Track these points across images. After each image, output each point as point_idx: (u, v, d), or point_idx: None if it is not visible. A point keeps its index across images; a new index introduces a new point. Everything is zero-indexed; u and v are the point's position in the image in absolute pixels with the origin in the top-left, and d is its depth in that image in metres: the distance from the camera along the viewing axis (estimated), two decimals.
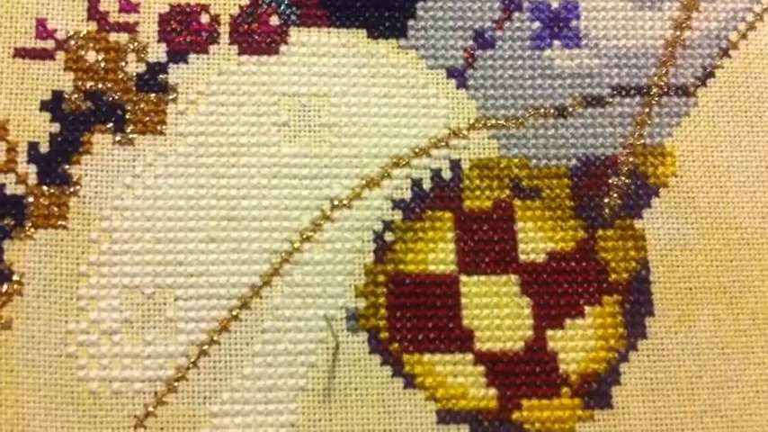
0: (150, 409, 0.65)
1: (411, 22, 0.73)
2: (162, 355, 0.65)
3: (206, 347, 0.66)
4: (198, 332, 0.66)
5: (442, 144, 0.71)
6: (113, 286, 0.66)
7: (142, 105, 0.69)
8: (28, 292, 0.65)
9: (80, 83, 0.70)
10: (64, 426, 0.64)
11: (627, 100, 0.73)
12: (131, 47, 0.71)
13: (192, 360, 0.65)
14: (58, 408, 0.64)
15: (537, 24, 0.74)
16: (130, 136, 0.69)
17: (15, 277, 0.65)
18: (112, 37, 0.71)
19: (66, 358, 0.65)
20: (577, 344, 0.68)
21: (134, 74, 0.71)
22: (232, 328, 0.66)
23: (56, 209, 0.67)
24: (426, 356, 0.67)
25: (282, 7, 0.73)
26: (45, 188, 0.67)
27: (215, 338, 0.66)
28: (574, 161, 0.71)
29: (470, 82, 0.73)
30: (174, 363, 0.65)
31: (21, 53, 0.70)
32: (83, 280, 0.66)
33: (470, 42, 0.74)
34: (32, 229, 0.67)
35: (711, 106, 0.73)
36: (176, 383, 0.65)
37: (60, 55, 0.70)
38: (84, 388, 0.64)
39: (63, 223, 0.67)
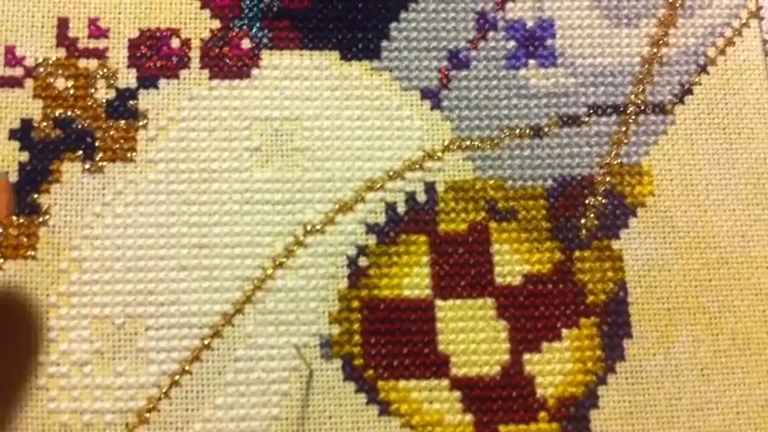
0: None
1: (384, 43, 0.73)
2: (133, 385, 0.65)
3: (177, 377, 0.65)
4: (169, 362, 0.65)
5: (417, 167, 0.70)
6: (83, 317, 0.66)
7: (112, 132, 0.69)
8: None
9: (49, 110, 0.69)
10: None
11: (603, 119, 0.73)
12: (101, 73, 0.70)
13: (164, 390, 0.65)
14: None
15: (512, 43, 0.73)
16: (100, 164, 0.68)
17: None
18: (82, 63, 0.70)
19: (37, 390, 0.64)
20: (555, 367, 0.67)
21: (104, 100, 0.70)
22: (204, 357, 0.66)
23: (25, 239, 0.66)
24: (402, 383, 0.66)
25: (254, 30, 0.72)
26: (14, 218, 0.67)
27: (187, 368, 0.65)
28: (550, 182, 0.71)
29: (445, 103, 0.72)
30: (146, 393, 0.65)
31: None
32: (53, 311, 0.65)
33: (445, 63, 0.73)
34: (2, 260, 0.66)
35: (689, 124, 0.73)
36: (148, 414, 0.65)
37: (29, 82, 0.70)
38: (54, 420, 0.64)
39: (32, 253, 0.66)
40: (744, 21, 0.75)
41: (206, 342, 0.66)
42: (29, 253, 0.66)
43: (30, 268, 0.66)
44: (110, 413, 0.64)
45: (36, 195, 0.67)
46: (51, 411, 0.64)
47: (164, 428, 0.65)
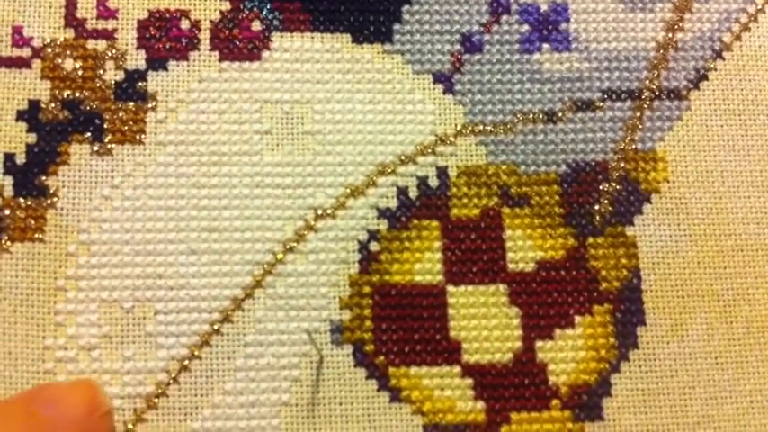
0: (130, 426, 0.64)
1: (396, 27, 0.72)
2: (142, 370, 0.65)
3: (187, 362, 0.65)
4: (178, 347, 0.65)
5: (429, 151, 0.70)
6: (92, 300, 0.65)
7: (121, 114, 0.68)
8: (4, 307, 0.65)
9: (57, 92, 0.69)
10: None
11: (618, 104, 0.72)
12: (109, 54, 0.70)
13: (173, 376, 0.65)
14: None
15: (525, 27, 0.73)
16: (109, 146, 0.68)
17: None
18: (90, 44, 0.70)
19: (44, 375, 0.64)
20: (567, 355, 0.67)
21: (112, 82, 0.70)
22: (213, 342, 0.65)
23: (33, 221, 0.66)
24: (413, 369, 0.66)
25: (265, 12, 0.72)
26: (22, 200, 0.67)
27: (196, 353, 0.65)
28: (563, 167, 0.71)
29: (457, 87, 0.72)
30: (155, 378, 0.65)
31: None
32: (60, 294, 0.65)
33: (457, 46, 0.73)
34: (9, 243, 0.66)
35: (704, 110, 0.73)
36: (156, 400, 0.64)
37: (37, 63, 0.70)
38: None
39: (40, 236, 0.66)
40: (760, 6, 0.75)
41: (215, 327, 0.66)
42: (36, 236, 0.66)
43: (37, 251, 0.66)
44: (118, 398, 0.64)
45: (44, 177, 0.67)
46: None
47: (172, 414, 0.64)
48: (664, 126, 0.72)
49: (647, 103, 0.72)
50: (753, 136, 0.72)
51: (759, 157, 0.72)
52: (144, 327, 0.65)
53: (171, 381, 0.65)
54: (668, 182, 0.71)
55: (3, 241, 0.66)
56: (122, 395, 0.64)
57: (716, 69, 0.74)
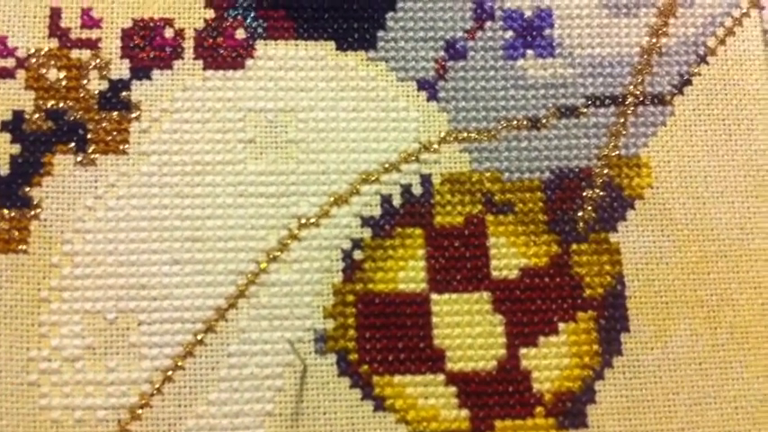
0: None
1: (381, 33, 0.72)
2: (125, 381, 0.65)
3: (170, 373, 0.65)
4: (162, 357, 0.65)
5: (413, 159, 0.70)
6: (75, 312, 0.66)
7: (104, 124, 0.69)
8: None
9: (41, 102, 0.69)
10: None
11: (602, 110, 0.72)
12: (93, 64, 0.70)
13: (157, 386, 0.65)
14: None
15: (510, 33, 0.73)
16: (92, 156, 0.68)
17: None
18: (74, 54, 0.70)
19: (28, 386, 0.64)
20: (551, 362, 0.68)
21: (96, 92, 0.70)
22: (197, 352, 0.66)
23: (16, 233, 0.66)
24: (397, 378, 0.66)
25: (249, 20, 0.72)
26: (5, 211, 0.67)
27: (179, 364, 0.65)
28: (547, 174, 0.71)
29: (441, 94, 0.72)
30: (138, 389, 0.65)
31: None
32: (44, 306, 0.65)
33: (441, 53, 0.73)
34: None
35: (688, 115, 0.73)
36: (140, 411, 0.65)
37: (21, 73, 0.70)
38: (46, 417, 0.64)
39: (24, 247, 0.66)
40: (744, 10, 0.75)
41: (199, 337, 0.66)
42: (20, 247, 0.66)
43: (21, 262, 0.66)
44: (102, 409, 0.64)
45: (27, 188, 0.67)
46: (43, 408, 0.64)
47: (156, 425, 0.65)
48: (648, 131, 0.72)
49: (631, 108, 0.73)
50: (737, 141, 0.72)
51: (743, 162, 0.72)
52: (127, 338, 0.66)
53: (155, 391, 0.65)
54: (652, 187, 0.71)
55: None
56: (106, 406, 0.64)
57: (700, 74, 0.74)
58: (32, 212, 0.67)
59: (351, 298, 0.67)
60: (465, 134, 0.71)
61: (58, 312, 0.65)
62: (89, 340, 0.65)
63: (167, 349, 0.65)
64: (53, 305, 0.65)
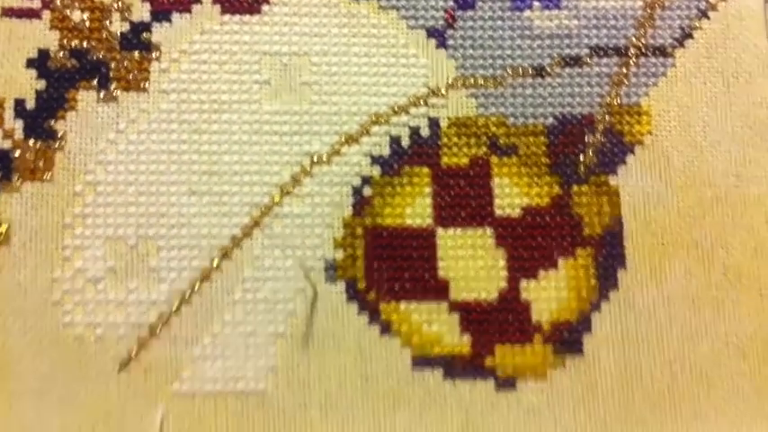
0: (133, 353, 0.71)
1: None
2: (145, 302, 0.72)
3: (188, 295, 0.72)
4: (180, 281, 0.73)
5: (421, 102, 0.77)
6: (97, 237, 0.73)
7: (126, 63, 0.76)
8: (15, 243, 0.72)
9: (65, 41, 0.76)
10: (49, 369, 0.71)
11: (605, 60, 0.79)
12: (116, 6, 0.77)
13: (174, 307, 0.72)
14: (43, 352, 0.71)
15: None
16: (114, 93, 0.76)
17: (2, 228, 0.72)
18: None
19: (52, 305, 0.72)
20: (550, 294, 0.75)
21: (118, 33, 0.77)
22: (213, 277, 0.73)
23: (42, 163, 0.74)
24: (402, 305, 0.74)
25: None
26: (31, 143, 0.74)
27: (196, 287, 0.73)
28: (551, 119, 0.78)
29: (450, 42, 0.79)
30: (157, 310, 0.72)
31: (8, 12, 0.77)
32: (68, 231, 0.73)
33: (451, 3, 0.80)
34: (19, 182, 0.73)
35: (689, 67, 0.80)
36: (159, 329, 0.72)
37: (46, 14, 0.77)
38: (69, 333, 0.72)
39: (49, 177, 0.74)
40: None
41: (215, 263, 0.73)
42: (45, 176, 0.74)
43: (46, 191, 0.74)
44: (122, 327, 0.72)
45: (52, 122, 0.75)
46: (66, 325, 0.72)
47: (174, 343, 0.72)
48: (649, 82, 0.79)
49: (634, 59, 0.80)
50: (735, 93, 0.79)
51: (740, 113, 0.79)
52: (147, 262, 0.73)
53: (173, 312, 0.72)
54: (651, 134, 0.78)
55: (14, 181, 0.73)
56: (126, 324, 0.72)
57: (701, 28, 0.81)
58: (57, 144, 0.74)
59: (360, 231, 0.75)
60: (472, 80, 0.78)
61: (81, 237, 0.73)
62: (110, 263, 0.73)
63: (185, 273, 0.73)
64: (76, 230, 0.73)
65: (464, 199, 0.76)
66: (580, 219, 0.76)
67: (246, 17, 0.78)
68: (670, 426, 0.73)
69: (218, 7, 0.78)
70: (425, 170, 0.76)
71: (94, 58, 0.76)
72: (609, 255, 0.76)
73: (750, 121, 0.79)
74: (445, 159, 0.76)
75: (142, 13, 0.78)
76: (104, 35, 0.76)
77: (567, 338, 0.74)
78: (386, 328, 0.73)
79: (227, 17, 0.78)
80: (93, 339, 0.72)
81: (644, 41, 0.80)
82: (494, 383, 0.73)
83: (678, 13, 0.81)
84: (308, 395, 0.72)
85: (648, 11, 0.80)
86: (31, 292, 0.72)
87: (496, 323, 0.74)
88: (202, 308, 0.73)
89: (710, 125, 0.79)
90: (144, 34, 0.77)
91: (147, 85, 0.76)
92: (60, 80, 0.76)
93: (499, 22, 0.80)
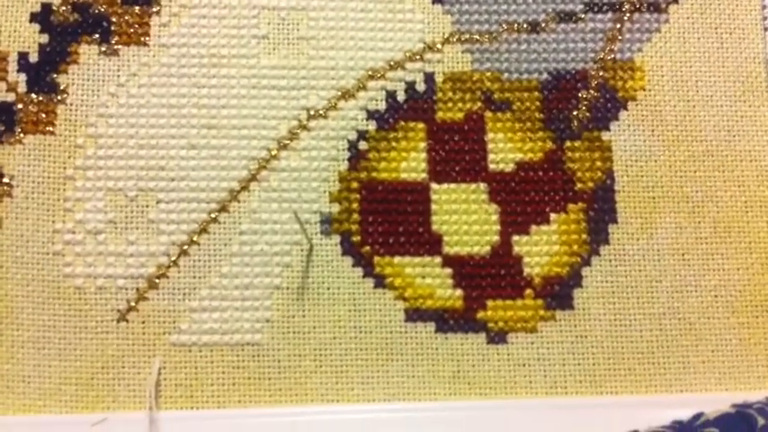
0: (132, 304, 0.73)
1: None
2: (144, 254, 0.74)
3: (186, 247, 0.74)
4: (178, 233, 0.74)
5: (417, 58, 0.78)
6: (98, 189, 0.74)
7: (127, 18, 0.77)
8: (17, 194, 0.74)
9: None
10: (50, 319, 0.73)
11: (599, 16, 0.80)
12: None
13: (173, 259, 0.74)
14: (45, 302, 0.73)
15: None
16: (115, 47, 0.77)
17: (5, 179, 0.74)
18: None
19: (53, 256, 0.74)
20: (542, 249, 0.76)
21: None
22: (211, 229, 0.75)
23: (44, 115, 0.75)
24: (396, 259, 0.75)
25: None
26: (34, 96, 0.75)
27: (195, 239, 0.74)
28: (545, 75, 0.79)
29: None
30: (156, 261, 0.74)
31: None
32: (69, 183, 0.74)
33: None
34: (22, 135, 0.75)
35: (682, 23, 0.81)
36: (157, 280, 0.74)
37: None
38: (69, 284, 0.73)
39: (51, 129, 0.75)
40: None
41: (213, 216, 0.75)
42: (47, 128, 0.75)
43: (48, 143, 0.75)
44: (121, 278, 0.74)
45: (55, 75, 0.76)
46: (66, 275, 0.73)
47: (172, 294, 0.74)
48: (642, 37, 0.80)
49: (628, 15, 0.80)
50: (728, 49, 0.80)
51: (732, 69, 0.80)
52: (147, 214, 0.75)
53: (171, 264, 0.74)
54: (644, 90, 0.79)
55: (16, 133, 0.75)
56: (126, 276, 0.74)
57: None
58: (59, 97, 0.76)
59: (355, 185, 0.76)
60: (467, 36, 0.79)
61: (82, 189, 0.74)
62: (111, 215, 0.74)
63: (183, 225, 0.75)
64: (78, 182, 0.74)
65: (458, 154, 0.77)
66: (572, 174, 0.77)
67: None
68: (658, 378, 0.75)
69: None
70: (421, 125, 0.77)
71: (96, 12, 0.77)
72: (600, 209, 0.77)
73: (741, 76, 0.80)
74: (440, 114, 0.78)
75: None
76: None
77: (558, 293, 0.75)
78: (380, 282, 0.75)
79: None
80: (93, 290, 0.73)
81: None
82: (485, 336, 0.75)
83: None
84: (302, 346, 0.74)
85: None
86: (32, 243, 0.74)
87: (489, 278, 0.75)
88: (200, 260, 0.74)
89: (702, 80, 0.80)
90: None
91: (147, 39, 0.77)
92: (63, 34, 0.77)
93: None
